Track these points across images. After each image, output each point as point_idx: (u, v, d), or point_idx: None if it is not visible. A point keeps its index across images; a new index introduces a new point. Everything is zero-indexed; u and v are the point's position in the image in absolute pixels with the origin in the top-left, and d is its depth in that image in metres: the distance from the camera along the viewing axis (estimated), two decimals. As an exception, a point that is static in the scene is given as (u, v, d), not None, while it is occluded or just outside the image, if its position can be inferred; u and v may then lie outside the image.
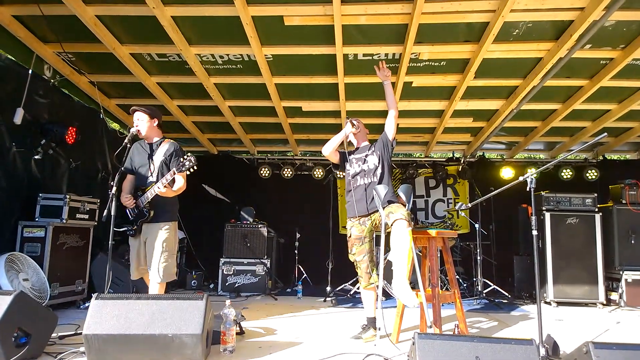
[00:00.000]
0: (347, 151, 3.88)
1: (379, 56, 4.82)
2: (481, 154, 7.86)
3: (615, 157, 8.36)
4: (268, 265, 6.36)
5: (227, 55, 4.84)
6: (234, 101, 6.02)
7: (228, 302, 3.07)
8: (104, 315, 2.65)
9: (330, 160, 3.96)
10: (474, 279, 6.29)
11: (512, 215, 6.82)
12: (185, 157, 3.36)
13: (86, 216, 4.95)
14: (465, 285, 6.43)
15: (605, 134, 3.13)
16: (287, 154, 8.31)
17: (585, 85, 5.31)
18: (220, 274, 6.31)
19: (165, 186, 3.40)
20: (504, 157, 8.01)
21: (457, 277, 6.49)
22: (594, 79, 5.12)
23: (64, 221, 4.63)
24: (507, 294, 6.09)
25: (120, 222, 3.59)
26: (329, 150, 3.80)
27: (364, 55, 4.81)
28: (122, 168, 3.61)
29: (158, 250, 3.49)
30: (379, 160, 3.72)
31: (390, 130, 3.82)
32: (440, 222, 7.71)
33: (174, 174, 3.37)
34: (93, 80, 5.44)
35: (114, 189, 3.26)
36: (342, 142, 3.88)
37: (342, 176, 7.55)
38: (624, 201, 5.92)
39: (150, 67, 5.15)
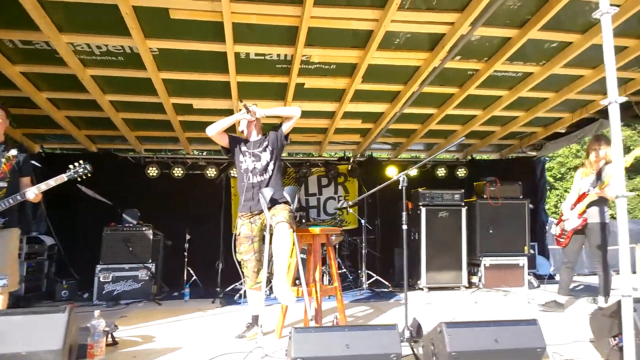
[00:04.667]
0: (240, 138, 3.79)
1: (271, 56, 4.84)
2: (370, 153, 8.31)
3: (484, 157, 9.40)
4: (153, 269, 6.04)
5: (106, 46, 4.50)
6: (115, 95, 5.61)
7: (97, 312, 2.88)
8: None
9: (218, 143, 3.82)
10: (359, 271, 6.65)
11: (395, 210, 7.35)
12: (79, 163, 3.39)
13: None
14: (351, 277, 6.79)
15: (464, 137, 3.51)
16: (178, 153, 7.99)
17: (456, 93, 5.88)
18: (96, 282, 5.82)
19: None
20: (390, 156, 8.57)
21: (345, 270, 6.83)
22: (463, 87, 5.70)
23: None
24: (387, 284, 6.54)
25: None
26: (213, 132, 3.64)
27: (257, 54, 4.79)
28: None
29: (12, 257, 3.25)
30: (271, 156, 3.71)
31: (287, 125, 3.79)
32: (330, 219, 8.02)
33: (63, 179, 3.30)
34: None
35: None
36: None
37: (236, 175, 7.46)
38: (485, 196, 6.72)
39: (13, 55, 4.58)
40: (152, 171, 7.33)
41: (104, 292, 5.81)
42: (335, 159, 8.32)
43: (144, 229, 6.21)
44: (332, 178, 8.08)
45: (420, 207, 6.50)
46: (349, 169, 8.09)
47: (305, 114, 6.36)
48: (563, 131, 7.45)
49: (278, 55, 4.84)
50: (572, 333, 3.58)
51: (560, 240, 4.77)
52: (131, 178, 7.34)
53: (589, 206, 4.50)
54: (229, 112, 6.16)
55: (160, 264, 6.51)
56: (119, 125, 6.41)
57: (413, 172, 7.51)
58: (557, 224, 4.89)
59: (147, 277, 5.98)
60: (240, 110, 3.75)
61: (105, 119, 6.20)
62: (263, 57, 4.85)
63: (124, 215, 6.33)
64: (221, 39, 4.40)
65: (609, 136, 2.67)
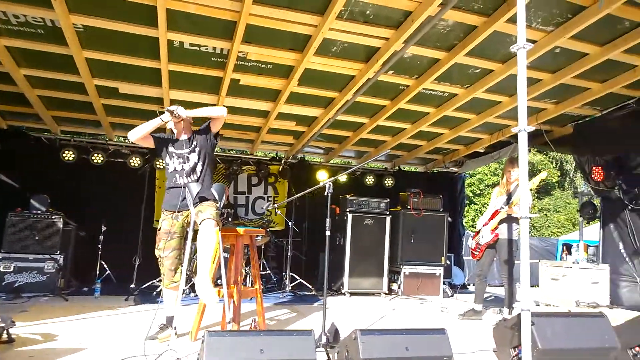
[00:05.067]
0: (168, 137, 3.61)
1: (207, 49, 4.72)
2: (302, 156, 8.36)
3: (412, 168, 9.79)
4: (61, 261, 5.64)
5: (25, 16, 4.12)
6: (31, 70, 5.16)
7: (-8, 306, 2.64)
8: None
9: (142, 145, 3.66)
10: (284, 273, 6.66)
11: (323, 214, 7.43)
12: None
13: None
14: (275, 279, 6.77)
15: (389, 150, 3.63)
16: (99, 138, 7.53)
17: (387, 105, 6.09)
18: (-5, 272, 5.34)
19: None
20: (321, 161, 8.67)
21: (269, 271, 6.80)
22: (394, 100, 5.91)
23: None
24: (311, 287, 6.61)
25: None
26: (136, 138, 3.48)
27: (191, 45, 4.64)
28: None
29: None
30: (199, 156, 3.58)
31: (214, 125, 3.69)
32: (258, 219, 7.95)
33: None
34: None
35: None
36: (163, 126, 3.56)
37: (162, 167, 7.17)
38: (408, 207, 7.01)
39: None
40: (69, 155, 6.83)
41: (3, 284, 5.33)
42: (267, 159, 8.27)
43: (53, 217, 5.78)
44: (262, 178, 8.03)
45: (347, 213, 6.63)
46: (280, 170, 8.08)
47: (239, 111, 6.35)
48: (482, 151, 7.98)
49: (214, 49, 4.73)
50: (479, 342, 3.80)
51: (475, 253, 5.11)
52: (43, 161, 6.79)
53: (500, 223, 4.85)
54: (158, 100, 5.94)
55: (70, 256, 6.10)
56: (33, 103, 5.90)
57: (343, 178, 7.68)
58: (473, 238, 5.24)
59: (54, 270, 5.57)
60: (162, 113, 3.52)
61: (19, 95, 5.69)
62: (198, 48, 4.71)
63: (32, 201, 5.83)
64: (154, 24, 4.20)
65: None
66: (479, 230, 5.12)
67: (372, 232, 6.74)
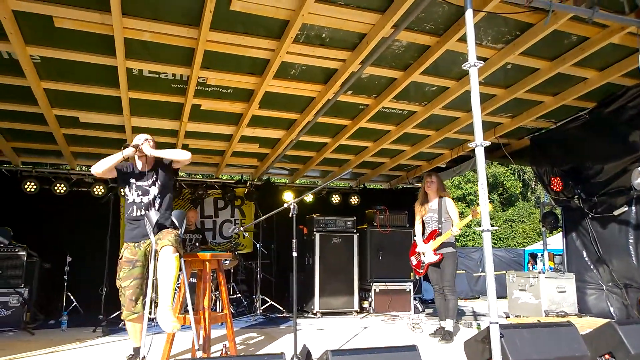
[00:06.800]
0: (130, 169, 3.62)
1: (166, 75, 4.74)
2: (267, 178, 8.38)
3: (377, 185, 9.95)
4: (26, 295, 5.51)
5: (-22, 49, 4.08)
6: (-12, 103, 5.08)
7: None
8: None
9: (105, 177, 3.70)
10: (254, 296, 6.60)
11: (291, 235, 7.45)
12: None
13: None
14: (246, 302, 6.71)
15: (350, 170, 3.71)
16: (61, 168, 7.38)
17: (348, 125, 6.22)
18: (-45, 309, 5.14)
19: None
20: (287, 182, 8.72)
21: (239, 295, 6.73)
22: (355, 120, 6.05)
23: None
24: (282, 309, 6.56)
25: None
26: (100, 171, 3.51)
27: (150, 72, 4.66)
28: None
29: None
30: (160, 192, 3.59)
31: (176, 164, 3.70)
32: (226, 242, 7.89)
33: None
34: None
35: None
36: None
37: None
38: (375, 224, 7.09)
39: None
40: (30, 186, 6.75)
41: (-35, 320, 5.17)
42: (233, 182, 8.27)
43: (16, 249, 5.68)
44: (228, 201, 8.01)
45: (315, 232, 6.66)
46: (246, 192, 8.08)
47: (202, 136, 6.37)
48: (444, 166, 8.18)
49: (174, 75, 4.76)
50: (451, 357, 3.83)
51: (419, 270, 5.08)
52: (5, 193, 6.69)
53: (442, 245, 4.81)
54: (120, 128, 5.91)
55: (35, 288, 5.96)
56: (-8, 136, 5.78)
57: (308, 198, 7.74)
58: (411, 255, 5.19)
59: (19, 304, 5.46)
60: (126, 147, 3.55)
61: (-24, 128, 5.56)
62: (157, 75, 4.73)
63: (-6, 235, 5.69)
64: (112, 53, 4.20)
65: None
66: (417, 248, 5.05)
67: (341, 250, 6.77)
